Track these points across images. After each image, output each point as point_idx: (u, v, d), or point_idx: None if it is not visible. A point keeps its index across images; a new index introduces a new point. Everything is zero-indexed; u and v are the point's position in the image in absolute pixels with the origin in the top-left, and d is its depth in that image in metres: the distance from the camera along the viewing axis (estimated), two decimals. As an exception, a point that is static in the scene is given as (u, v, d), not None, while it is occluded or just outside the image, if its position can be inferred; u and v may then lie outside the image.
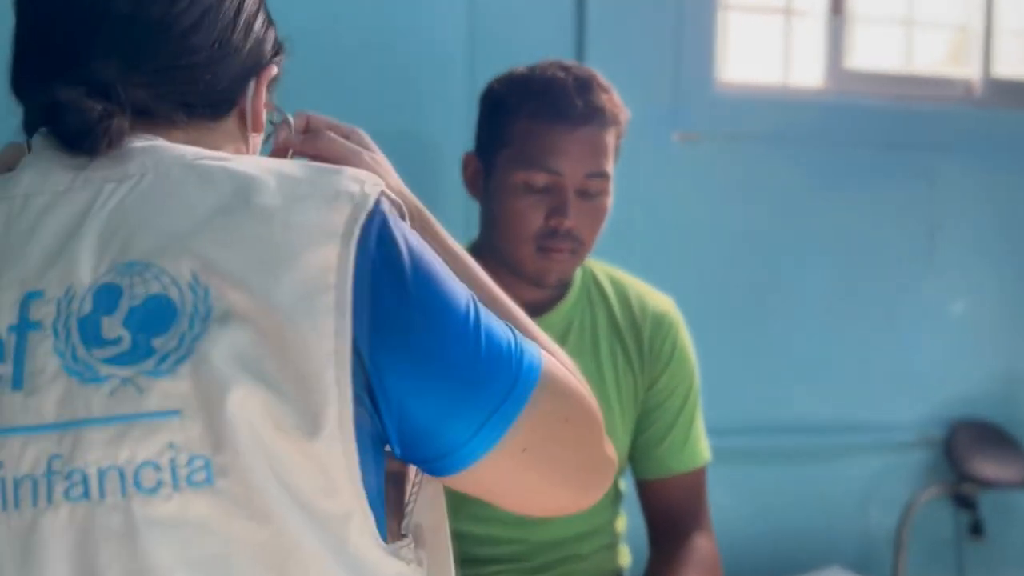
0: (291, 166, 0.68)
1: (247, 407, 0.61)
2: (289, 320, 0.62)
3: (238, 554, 0.61)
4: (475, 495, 0.73)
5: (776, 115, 1.97)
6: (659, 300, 1.42)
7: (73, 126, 0.67)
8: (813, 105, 2.03)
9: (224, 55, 0.74)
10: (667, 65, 1.86)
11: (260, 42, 0.78)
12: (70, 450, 0.61)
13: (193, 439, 0.61)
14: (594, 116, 1.26)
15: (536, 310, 1.34)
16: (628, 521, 1.48)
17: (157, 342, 0.62)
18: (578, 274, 1.39)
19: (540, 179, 1.25)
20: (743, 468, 1.93)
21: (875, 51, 2.12)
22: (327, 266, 0.63)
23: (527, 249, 1.27)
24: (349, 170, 0.68)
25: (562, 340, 1.35)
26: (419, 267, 0.67)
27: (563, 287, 1.36)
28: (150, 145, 0.69)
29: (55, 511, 0.61)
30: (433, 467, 0.70)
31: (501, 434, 0.69)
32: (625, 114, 1.32)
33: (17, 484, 0.61)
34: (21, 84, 0.72)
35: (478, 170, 1.33)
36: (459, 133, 1.43)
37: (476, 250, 1.34)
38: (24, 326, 0.63)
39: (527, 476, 0.72)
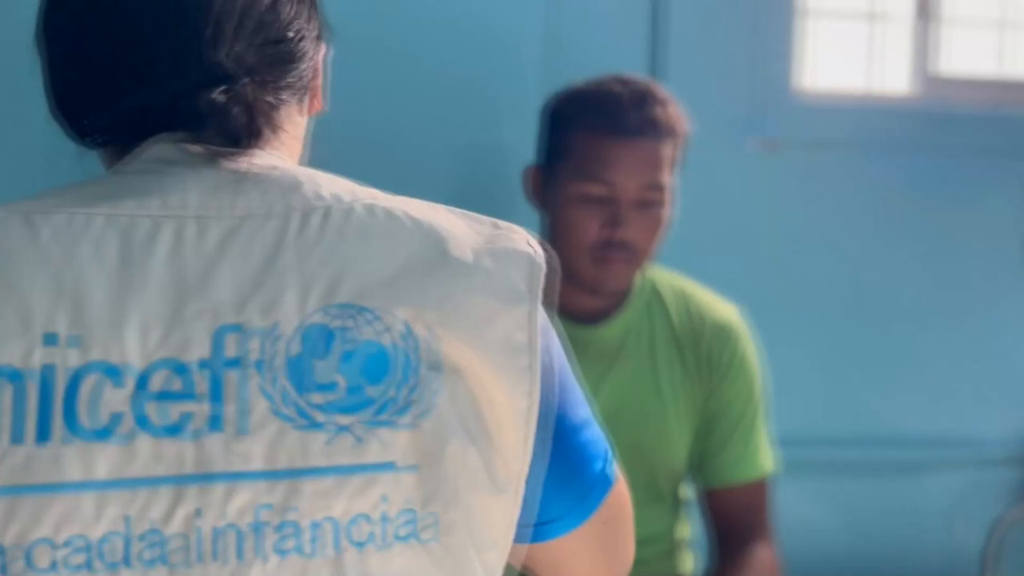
0: (456, 215, 0.66)
1: (459, 462, 0.61)
2: (493, 376, 0.62)
3: None
4: (545, 568, 0.75)
5: (858, 122, 1.93)
6: (721, 310, 1.43)
7: (225, 128, 0.64)
8: (897, 112, 1.99)
9: (306, 30, 0.71)
10: (744, 72, 1.86)
11: (320, 15, 0.74)
12: (283, 500, 0.58)
13: (404, 492, 0.60)
14: (649, 128, 1.28)
15: (594, 319, 1.37)
16: (693, 529, 1.50)
17: (373, 391, 0.60)
18: (639, 283, 1.41)
19: (595, 191, 1.29)
20: (827, 480, 1.91)
21: (966, 55, 2.06)
22: (520, 325, 0.64)
23: (583, 259, 1.31)
24: (509, 225, 0.67)
25: (619, 348, 1.38)
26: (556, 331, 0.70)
27: (621, 296, 1.39)
28: (301, 170, 0.66)
29: (262, 565, 0.57)
30: (535, 532, 0.69)
31: (596, 506, 0.71)
32: (685, 125, 1.34)
33: (218, 534, 0.57)
34: (115, 84, 0.66)
35: (539, 182, 1.37)
36: (533, 145, 1.47)
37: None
38: (219, 362, 0.58)
39: (597, 555, 0.75)
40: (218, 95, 0.63)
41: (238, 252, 0.60)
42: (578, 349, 1.34)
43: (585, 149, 1.30)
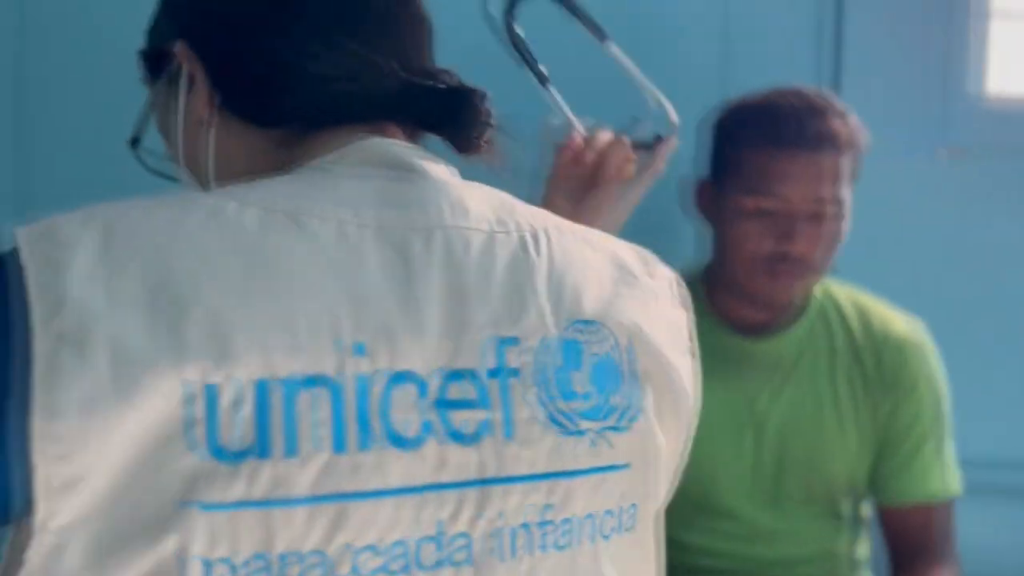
0: (611, 238, 0.73)
1: (659, 458, 0.68)
2: (678, 378, 0.70)
3: None
4: None
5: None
6: (903, 325, 1.39)
7: (453, 131, 0.68)
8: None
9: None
10: (931, 79, 1.79)
11: None
12: (562, 500, 0.63)
13: (633, 489, 0.67)
14: (825, 141, 1.27)
15: (762, 331, 1.37)
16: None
17: (614, 399, 0.65)
18: (816, 297, 1.39)
19: (767, 204, 1.28)
20: (1013, 506, 1.81)
21: None
22: (685, 331, 0.73)
23: (755, 273, 1.30)
24: (638, 248, 0.74)
25: (795, 362, 1.37)
26: None
27: (791, 309, 1.37)
28: (488, 188, 0.69)
29: (544, 560, 0.62)
30: None
31: None
32: (861, 137, 1.31)
33: (515, 533, 0.61)
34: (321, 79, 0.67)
35: (710, 195, 1.37)
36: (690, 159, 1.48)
37: (709, 273, 1.39)
38: (503, 372, 0.62)
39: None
40: (452, 98, 0.67)
41: (498, 265, 0.63)
42: (744, 361, 1.36)
43: (758, 163, 1.28)
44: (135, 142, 0.78)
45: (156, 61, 0.73)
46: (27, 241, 0.55)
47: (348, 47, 0.66)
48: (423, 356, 0.59)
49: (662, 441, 0.68)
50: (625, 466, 0.66)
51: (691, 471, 1.33)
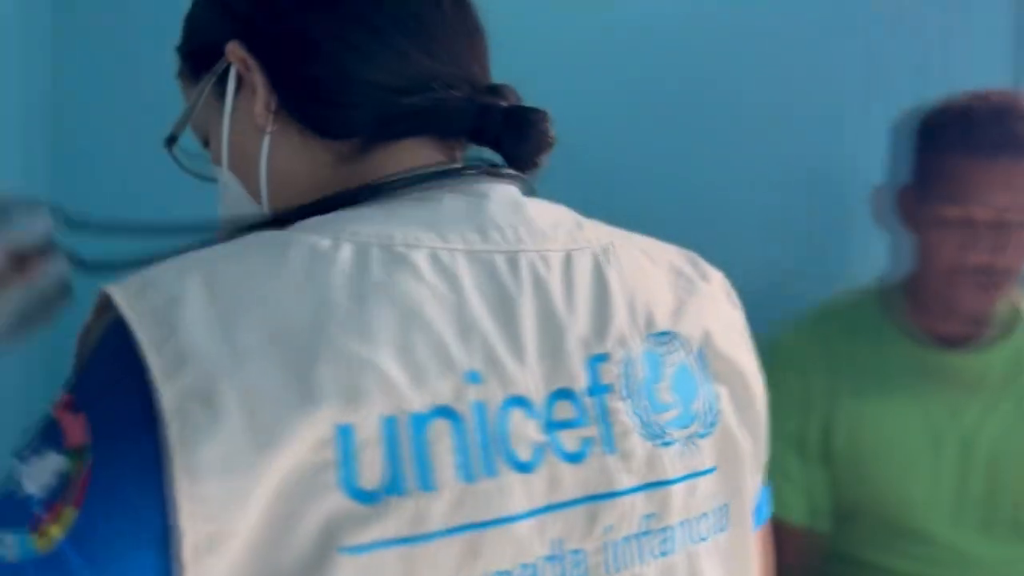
0: (662, 244, 0.73)
1: (741, 458, 0.69)
2: (749, 376, 0.72)
3: None
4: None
5: None
6: None
7: (516, 149, 0.68)
8: None
9: None
10: None
11: None
12: (661, 509, 0.63)
13: (722, 489, 0.68)
14: None
15: (971, 345, 1.30)
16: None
17: (695, 406, 0.67)
18: (1024, 311, 1.32)
19: (973, 214, 1.22)
20: None
21: None
22: (745, 330, 0.73)
23: (958, 285, 1.25)
24: (685, 251, 0.74)
25: (1010, 379, 1.31)
26: None
27: (1003, 323, 1.31)
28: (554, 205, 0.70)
29: (648, 569, 0.63)
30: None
31: (765, 519, 0.76)
32: None
33: (621, 546, 0.62)
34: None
35: (911, 203, 1.32)
36: (879, 166, 1.42)
37: (909, 284, 1.34)
38: (599, 389, 0.62)
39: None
40: (517, 117, 0.67)
41: (578, 284, 0.64)
42: (946, 375, 1.30)
43: (961, 170, 1.23)
44: (171, 141, 0.75)
45: (200, 59, 0.71)
46: (126, 298, 0.53)
47: (417, 59, 0.66)
48: (528, 379, 0.59)
49: (742, 439, 0.69)
50: (712, 469, 0.67)
51: (879, 486, 1.29)
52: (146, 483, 0.51)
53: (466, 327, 0.58)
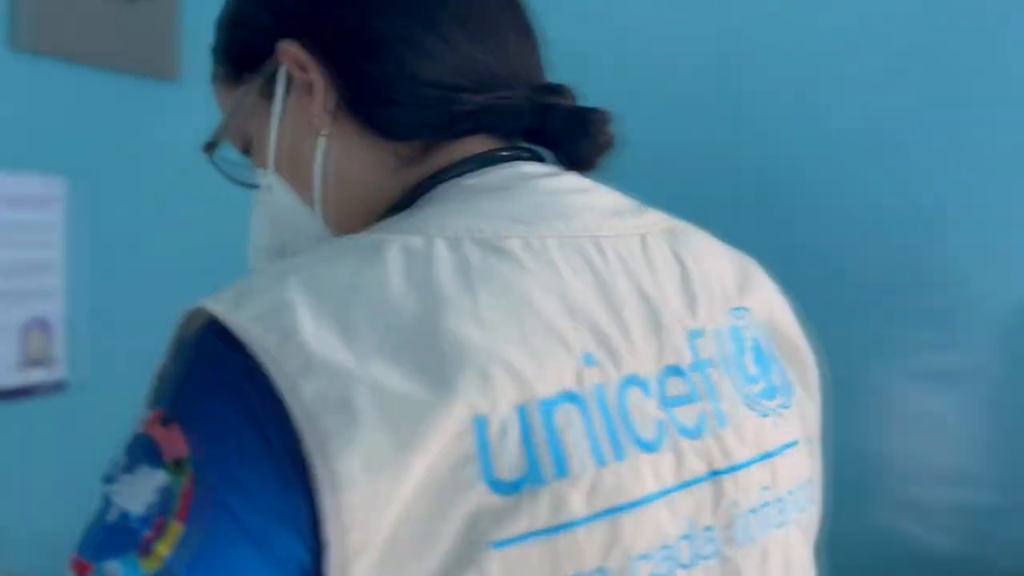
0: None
1: (815, 430, 0.71)
2: (805, 348, 0.73)
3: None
4: None
5: None
6: None
7: (596, 143, 0.68)
8: None
9: None
10: None
11: None
12: (771, 480, 0.64)
13: (807, 462, 0.69)
14: None
15: None
16: None
17: (773, 379, 0.67)
18: None
19: None
20: None
21: None
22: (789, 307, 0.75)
23: None
24: None
25: None
26: None
27: None
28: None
29: (770, 540, 0.64)
30: None
31: None
32: None
33: (747, 519, 0.62)
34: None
35: None
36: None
37: None
38: (702, 364, 0.62)
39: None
40: (579, 117, 0.67)
41: (659, 265, 0.64)
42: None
43: None
44: (211, 147, 0.73)
45: (245, 61, 0.69)
46: (228, 310, 0.52)
47: (478, 58, 0.66)
48: (639, 358, 0.59)
49: (811, 414, 0.71)
50: (795, 442, 0.68)
51: None
52: (261, 495, 0.49)
53: (573, 310, 0.57)
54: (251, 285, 0.53)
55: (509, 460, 0.52)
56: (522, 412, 0.53)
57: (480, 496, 0.51)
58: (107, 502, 0.51)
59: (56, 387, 1.33)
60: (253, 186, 0.72)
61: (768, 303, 0.70)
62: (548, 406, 0.54)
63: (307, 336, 0.50)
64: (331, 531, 0.48)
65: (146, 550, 0.48)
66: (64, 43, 1.31)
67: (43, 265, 1.31)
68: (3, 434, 1.28)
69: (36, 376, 1.31)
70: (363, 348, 0.51)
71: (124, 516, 0.50)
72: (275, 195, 0.70)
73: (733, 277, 0.69)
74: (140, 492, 0.50)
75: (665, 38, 1.70)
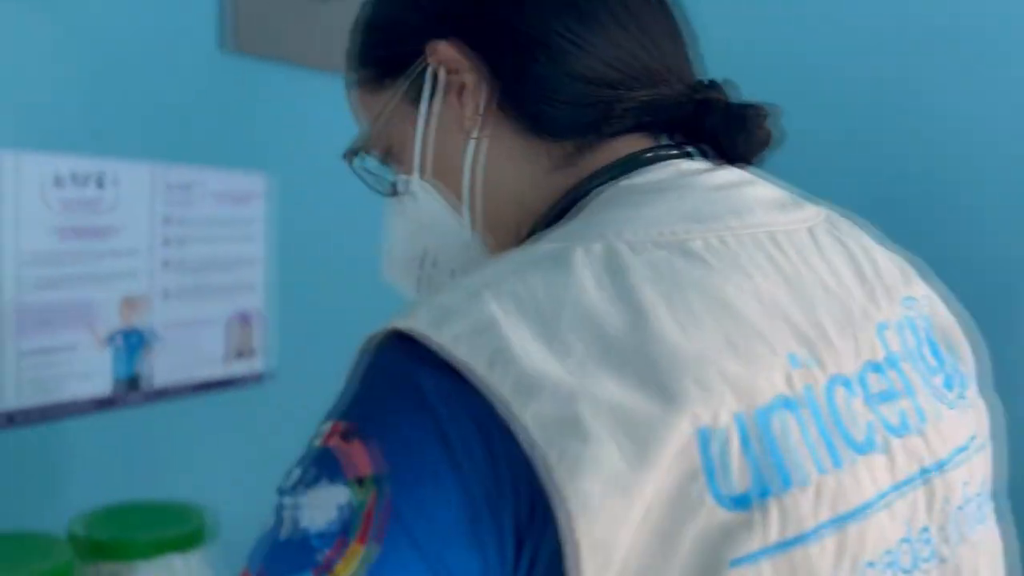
0: None
1: (987, 427, 0.67)
2: (971, 360, 0.70)
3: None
4: None
5: None
6: None
7: (756, 140, 0.67)
8: None
9: None
10: None
11: None
12: (969, 474, 0.62)
13: (987, 454, 0.66)
14: None
15: None
16: None
17: (948, 370, 0.65)
18: None
19: None
20: None
21: None
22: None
23: None
24: None
25: None
26: None
27: None
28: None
29: (977, 536, 0.62)
30: None
31: None
32: None
33: (957, 517, 0.60)
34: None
35: None
36: None
37: None
38: (893, 358, 0.60)
39: None
40: (739, 114, 0.66)
41: (832, 256, 0.62)
42: None
43: None
44: (353, 154, 0.71)
45: (391, 64, 0.67)
46: (431, 330, 0.49)
47: (634, 53, 0.64)
48: (839, 356, 0.56)
49: (984, 406, 0.68)
50: (975, 435, 0.65)
51: None
52: (444, 520, 0.47)
53: (772, 312, 0.55)
54: (444, 303, 0.51)
55: (734, 473, 0.49)
56: (740, 420, 0.50)
57: (713, 512, 0.48)
58: (281, 516, 0.49)
59: (256, 379, 1.37)
60: (392, 194, 0.70)
61: (928, 295, 0.67)
62: (764, 413, 0.51)
63: (518, 353, 0.48)
64: (569, 556, 0.46)
65: (328, 569, 0.46)
66: (266, 43, 1.34)
67: (246, 259, 1.34)
68: (210, 422, 1.32)
69: (239, 368, 1.34)
70: (577, 362, 0.48)
71: (301, 532, 0.48)
72: (419, 202, 0.68)
73: (896, 268, 0.66)
74: (319, 508, 0.48)
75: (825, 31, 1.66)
